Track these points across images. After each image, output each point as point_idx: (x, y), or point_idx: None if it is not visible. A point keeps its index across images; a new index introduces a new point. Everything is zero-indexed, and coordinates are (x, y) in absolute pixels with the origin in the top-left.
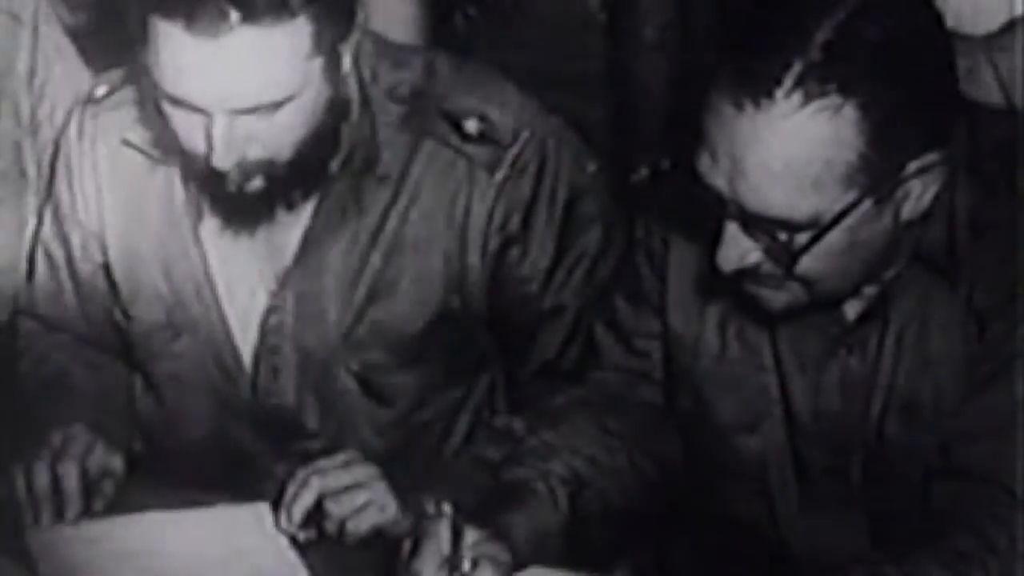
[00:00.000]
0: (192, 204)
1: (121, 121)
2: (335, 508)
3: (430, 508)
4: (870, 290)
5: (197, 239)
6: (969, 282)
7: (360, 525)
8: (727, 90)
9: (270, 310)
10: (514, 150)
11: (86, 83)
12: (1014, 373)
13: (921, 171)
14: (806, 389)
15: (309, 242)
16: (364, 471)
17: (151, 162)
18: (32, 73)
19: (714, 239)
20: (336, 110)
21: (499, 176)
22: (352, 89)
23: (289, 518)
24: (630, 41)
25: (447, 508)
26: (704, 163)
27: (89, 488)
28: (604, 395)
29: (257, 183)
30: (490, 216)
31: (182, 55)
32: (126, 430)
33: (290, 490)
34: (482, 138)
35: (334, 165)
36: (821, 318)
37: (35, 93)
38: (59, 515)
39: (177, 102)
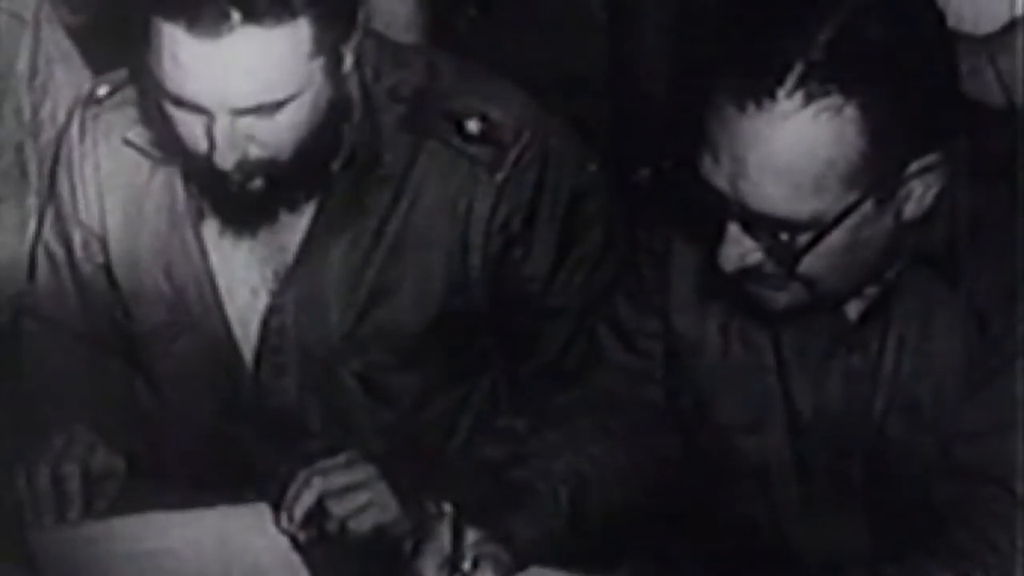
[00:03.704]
0: (193, 204)
1: (122, 121)
2: (336, 508)
3: (431, 508)
4: (872, 290)
5: (198, 239)
6: (970, 282)
7: (361, 525)
8: (729, 90)
9: (272, 310)
10: (516, 150)
11: (87, 83)
12: (1014, 372)
13: (923, 171)
14: (808, 389)
15: (311, 242)
16: (365, 471)
17: (152, 162)
18: (34, 73)
19: (716, 239)
20: (338, 110)
21: (501, 176)
22: (354, 89)
23: (290, 518)
24: (631, 41)
25: (448, 508)
26: (706, 163)
27: (90, 488)
28: (606, 395)
29: (258, 183)
30: (492, 216)
31: (184, 55)
32: (127, 431)
33: (291, 490)
34: (484, 138)
35: (336, 165)
36: (823, 318)
37: (36, 93)
38: (61, 515)
39: (179, 102)
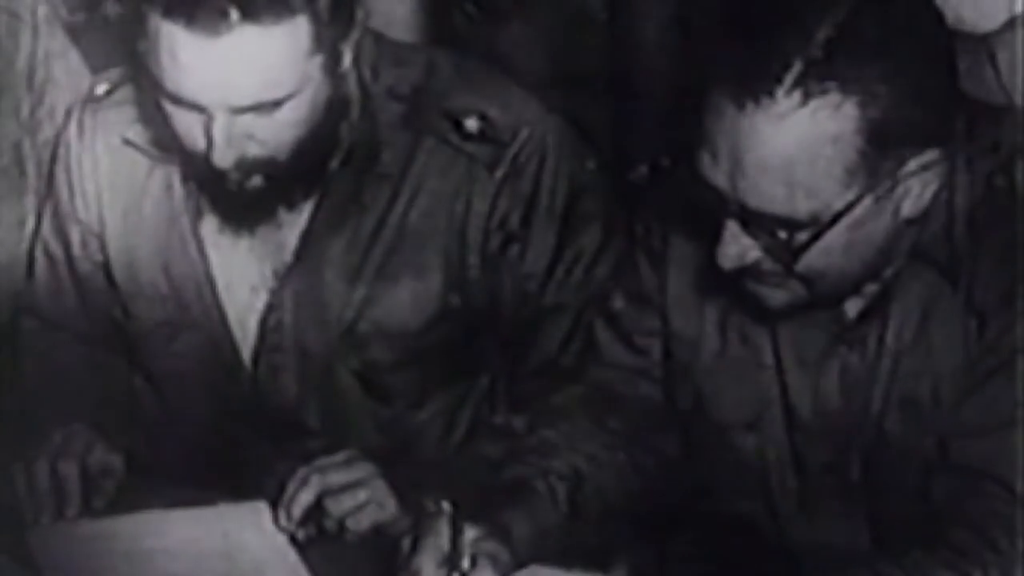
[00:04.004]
0: (192, 202)
1: (121, 119)
2: (335, 506)
3: (430, 506)
4: (870, 288)
5: (197, 237)
6: (969, 279)
7: (360, 523)
8: (728, 88)
9: (270, 308)
10: (514, 148)
11: (86, 81)
12: (1014, 370)
13: (921, 169)
14: (806, 386)
15: (309, 240)
16: (364, 469)
17: (151, 160)
18: (32, 71)
19: (714, 237)
20: (336, 108)
21: (499, 174)
22: (352, 87)
23: (289, 516)
24: (630, 39)
25: (446, 506)
26: (704, 161)
27: (89, 486)
28: (604, 393)
29: (257, 181)
30: (490, 214)
31: (182, 53)
32: (126, 429)
33: (290, 488)
34: (482, 136)
35: (334, 163)
36: (822, 316)
37: (35, 92)
38: (59, 513)
39: (177, 100)
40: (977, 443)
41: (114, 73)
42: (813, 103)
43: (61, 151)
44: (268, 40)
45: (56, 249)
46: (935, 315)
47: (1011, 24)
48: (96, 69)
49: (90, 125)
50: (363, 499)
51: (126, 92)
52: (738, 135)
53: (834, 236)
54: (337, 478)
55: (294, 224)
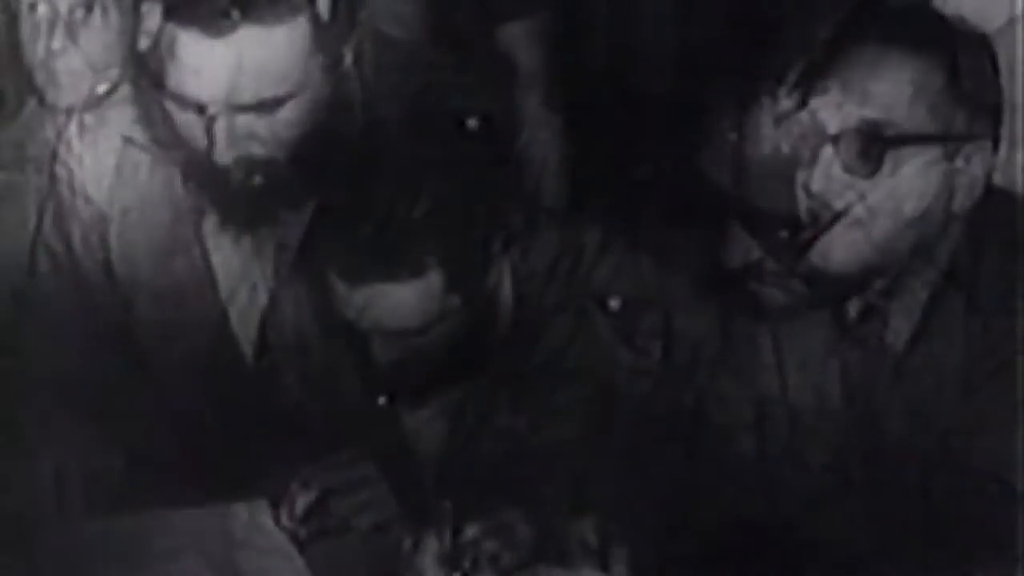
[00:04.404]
0: (193, 202)
1: (122, 118)
2: (336, 506)
3: (431, 506)
4: (871, 287)
5: (199, 236)
6: (969, 279)
7: (361, 523)
8: (730, 88)
9: (271, 308)
10: (515, 148)
11: (86, 82)
12: (1014, 370)
13: (921, 169)
14: (807, 386)
15: (310, 240)
16: (364, 469)
17: (152, 159)
18: (32, 71)
19: (716, 237)
20: (337, 108)
21: (500, 174)
22: (353, 87)
23: (291, 515)
24: (632, 38)
25: (448, 506)
26: (706, 161)
27: (90, 486)
28: (605, 393)
29: (258, 180)
30: (491, 214)
31: (183, 53)
32: (127, 428)
33: (292, 488)
34: (483, 136)
35: (335, 163)
36: (823, 316)
37: (35, 92)
38: (60, 513)
39: (178, 100)
40: (978, 443)
41: (114, 73)
42: (814, 103)
43: (62, 150)
44: (269, 40)
45: (58, 248)
46: (935, 315)
47: (1011, 24)
48: (96, 69)
49: (91, 124)
50: (364, 499)
51: (126, 91)
52: (740, 135)
53: (835, 236)
54: (339, 478)
55: (296, 224)
